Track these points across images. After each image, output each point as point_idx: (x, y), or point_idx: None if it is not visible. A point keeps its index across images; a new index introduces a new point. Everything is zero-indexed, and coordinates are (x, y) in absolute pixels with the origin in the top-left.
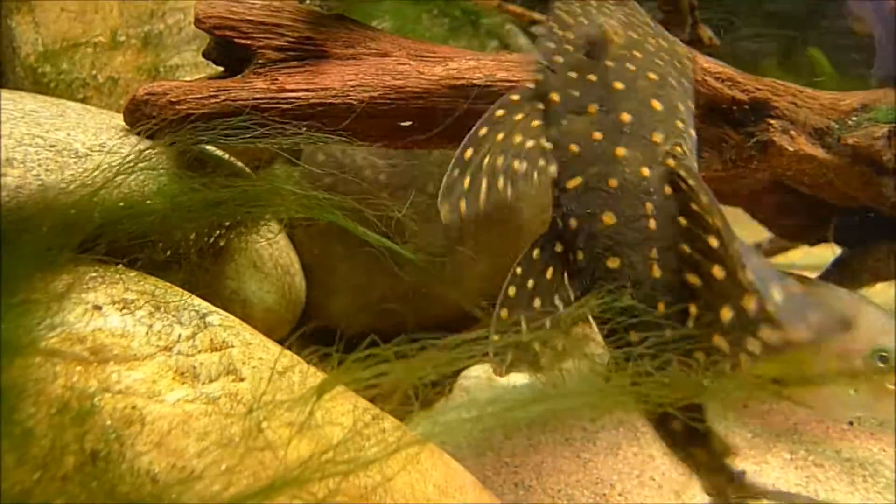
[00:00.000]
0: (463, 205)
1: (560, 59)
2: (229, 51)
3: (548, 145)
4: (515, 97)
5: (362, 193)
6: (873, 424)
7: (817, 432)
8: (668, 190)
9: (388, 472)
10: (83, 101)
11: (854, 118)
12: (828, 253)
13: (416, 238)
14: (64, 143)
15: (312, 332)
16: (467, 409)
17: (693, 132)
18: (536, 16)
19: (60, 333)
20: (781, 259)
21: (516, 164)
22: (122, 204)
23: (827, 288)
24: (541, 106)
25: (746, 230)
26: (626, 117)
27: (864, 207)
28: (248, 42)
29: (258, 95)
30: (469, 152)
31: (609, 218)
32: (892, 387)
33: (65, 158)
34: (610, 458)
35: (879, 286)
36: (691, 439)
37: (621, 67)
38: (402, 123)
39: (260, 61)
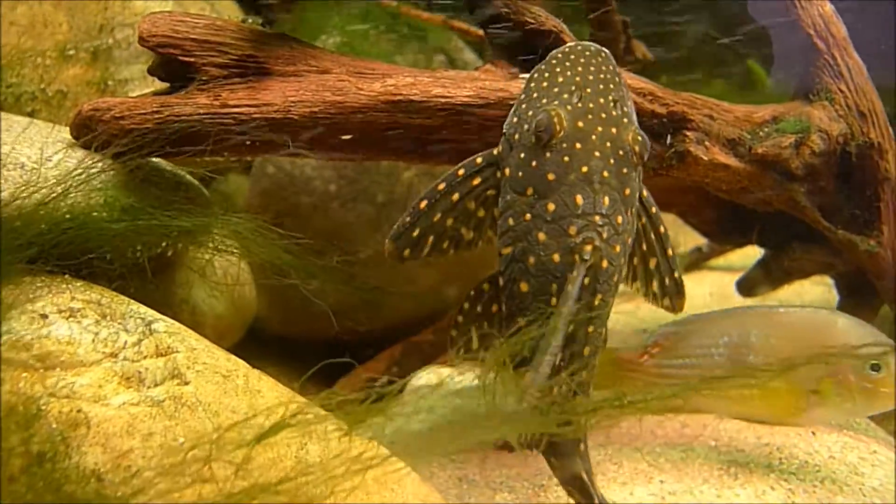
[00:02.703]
0: (407, 252)
1: (517, 137)
2: (174, 67)
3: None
4: (479, 160)
5: (312, 204)
6: None
7: (741, 421)
8: (570, 277)
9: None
10: (31, 114)
11: (766, 129)
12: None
13: (366, 246)
14: (10, 156)
15: (265, 338)
16: (416, 412)
17: (621, 217)
18: (482, 32)
19: (7, 341)
20: (721, 261)
21: (464, 230)
22: (68, 216)
23: (808, 310)
24: (499, 174)
25: (689, 234)
26: (551, 207)
27: (779, 212)
28: (192, 60)
29: (201, 111)
30: (424, 204)
31: (524, 286)
32: (890, 390)
33: (10, 172)
34: None
35: (807, 284)
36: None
37: (558, 159)
38: (343, 137)
39: (203, 78)
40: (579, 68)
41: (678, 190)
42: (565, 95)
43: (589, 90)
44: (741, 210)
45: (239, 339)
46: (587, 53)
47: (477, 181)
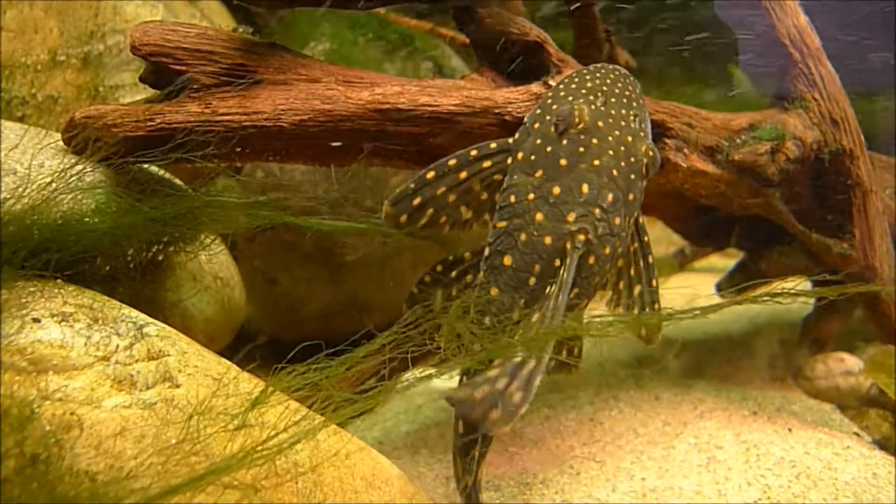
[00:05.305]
0: (404, 218)
1: (537, 126)
2: (165, 75)
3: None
4: (493, 145)
5: (302, 208)
6: (771, 410)
7: (721, 419)
8: (556, 262)
9: (319, 469)
10: (22, 119)
11: (743, 136)
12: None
13: (354, 250)
14: (3, 162)
15: (254, 341)
16: (404, 412)
17: (619, 220)
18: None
19: (1, 345)
20: (704, 262)
21: (463, 209)
22: (60, 221)
23: None
24: (510, 160)
25: (672, 237)
26: (556, 190)
27: (757, 216)
28: (183, 68)
29: (192, 119)
30: (431, 175)
31: (508, 260)
32: None
33: (3, 178)
34: (535, 451)
35: (789, 285)
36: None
37: (573, 148)
38: (332, 144)
39: (194, 86)
40: (608, 81)
41: (658, 195)
42: (591, 97)
43: (614, 100)
44: (720, 214)
45: (229, 342)
46: (617, 73)
47: (487, 164)
